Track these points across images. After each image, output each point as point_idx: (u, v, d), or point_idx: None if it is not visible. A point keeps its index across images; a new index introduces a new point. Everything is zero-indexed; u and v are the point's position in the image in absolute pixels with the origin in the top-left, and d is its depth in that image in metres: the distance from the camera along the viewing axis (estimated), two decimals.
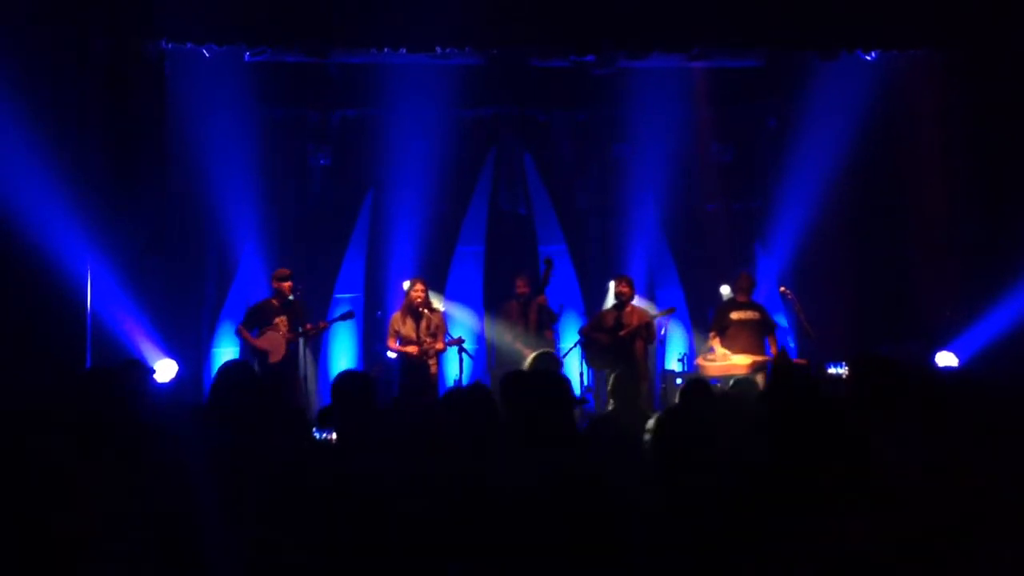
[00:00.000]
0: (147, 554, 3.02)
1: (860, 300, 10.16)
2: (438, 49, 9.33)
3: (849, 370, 4.93)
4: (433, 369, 8.99)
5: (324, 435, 5.02)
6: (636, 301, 9.15)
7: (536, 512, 2.94)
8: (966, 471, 3.09)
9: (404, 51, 9.31)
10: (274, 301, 8.97)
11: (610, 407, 6.11)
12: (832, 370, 7.32)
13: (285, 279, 8.99)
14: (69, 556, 2.83)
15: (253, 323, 8.89)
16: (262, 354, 8.72)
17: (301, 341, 9.01)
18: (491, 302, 10.48)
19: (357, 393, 4.50)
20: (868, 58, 9.68)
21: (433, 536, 3.04)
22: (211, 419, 4.49)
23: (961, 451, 3.27)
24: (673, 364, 10.15)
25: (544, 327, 9.42)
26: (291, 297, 8.96)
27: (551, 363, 6.72)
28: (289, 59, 9.71)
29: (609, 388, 6.20)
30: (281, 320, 8.87)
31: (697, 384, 5.09)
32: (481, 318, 10.77)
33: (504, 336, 9.56)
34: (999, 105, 9.05)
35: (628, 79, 10.10)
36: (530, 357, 6.80)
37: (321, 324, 9.32)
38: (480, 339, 10.66)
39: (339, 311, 9.70)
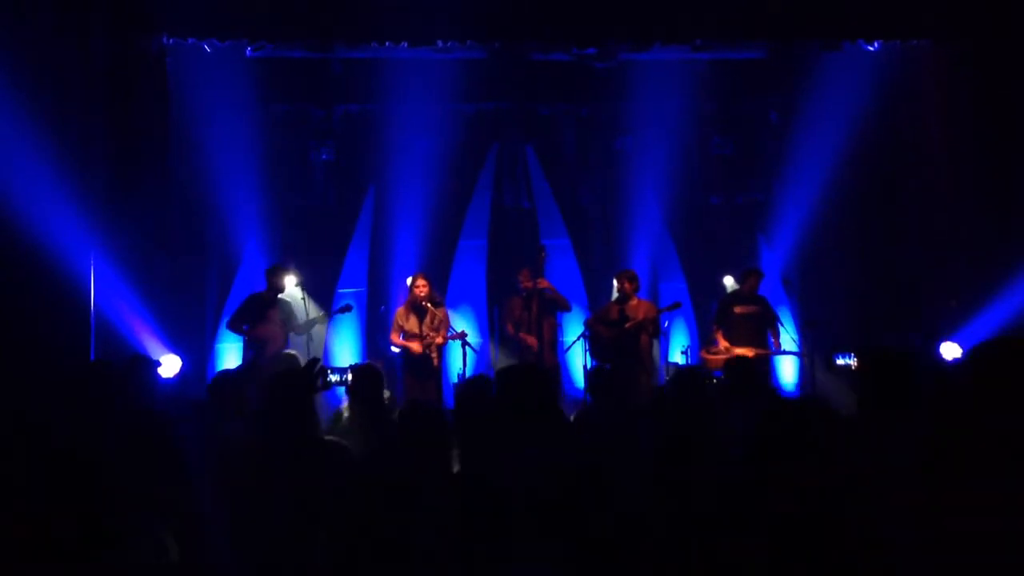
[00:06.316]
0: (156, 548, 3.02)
1: (864, 292, 10.17)
2: (439, 43, 9.36)
3: (858, 361, 4.93)
4: (436, 363, 8.99)
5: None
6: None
7: (530, 504, 2.96)
8: (973, 466, 3.08)
9: (405, 45, 9.33)
10: (266, 295, 9.02)
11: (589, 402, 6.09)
12: (840, 361, 7.34)
13: (277, 273, 9.09)
14: (77, 549, 2.83)
15: (246, 316, 8.93)
16: (260, 344, 8.76)
17: (307, 335, 9.16)
18: (495, 297, 10.46)
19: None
20: (870, 48, 9.67)
21: (437, 528, 3.04)
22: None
23: (968, 440, 3.27)
24: (677, 357, 10.14)
25: (545, 315, 9.40)
26: (283, 293, 9.10)
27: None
28: (291, 54, 9.72)
29: (587, 384, 6.21)
30: (273, 313, 8.95)
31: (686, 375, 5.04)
32: (484, 313, 10.76)
33: (507, 330, 9.56)
34: (1003, 96, 9.03)
35: (630, 73, 10.09)
36: None
37: (319, 317, 9.44)
38: (483, 334, 10.65)
39: (339, 305, 9.78)
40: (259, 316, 8.88)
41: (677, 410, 4.31)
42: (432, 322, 8.97)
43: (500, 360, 9.52)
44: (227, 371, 5.82)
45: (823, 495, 2.89)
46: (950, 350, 9.11)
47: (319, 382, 4.10)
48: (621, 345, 8.81)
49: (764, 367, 8.92)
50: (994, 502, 2.57)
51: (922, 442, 2.77)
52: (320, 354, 10.05)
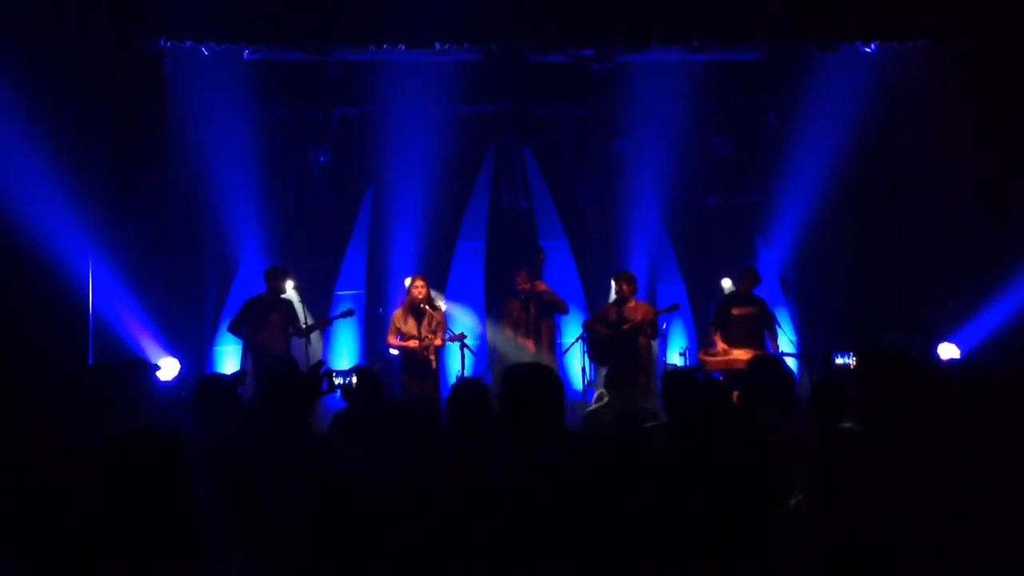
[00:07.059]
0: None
1: (862, 292, 10.17)
2: (437, 45, 9.35)
3: (857, 360, 4.92)
4: (434, 365, 8.98)
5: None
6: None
7: (527, 509, 2.95)
8: (973, 462, 3.08)
9: (403, 48, 9.32)
10: (267, 297, 9.02)
11: (604, 401, 6.09)
12: (839, 360, 7.35)
13: (278, 276, 9.08)
14: (73, 552, 2.82)
15: (247, 320, 8.92)
16: (261, 347, 8.75)
17: (305, 339, 9.15)
18: (493, 298, 10.46)
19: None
20: (867, 50, 9.68)
21: (429, 533, 3.04)
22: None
23: (968, 442, 3.27)
24: (675, 358, 10.14)
25: (543, 317, 9.39)
26: (283, 295, 9.08)
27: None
28: (288, 57, 9.71)
29: (602, 382, 6.22)
30: (275, 316, 8.93)
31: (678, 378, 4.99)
32: (483, 314, 10.75)
33: (505, 332, 9.56)
34: (1002, 96, 9.03)
35: (628, 74, 10.09)
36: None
37: (321, 321, 9.43)
38: (482, 335, 10.65)
39: (340, 308, 9.74)
40: (260, 319, 8.87)
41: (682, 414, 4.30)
42: (430, 324, 8.97)
43: (499, 362, 9.51)
44: (216, 374, 5.80)
45: (823, 496, 2.89)
46: (948, 350, 9.11)
47: (325, 385, 4.11)
48: (619, 346, 8.81)
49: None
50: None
51: (932, 443, 2.77)
52: (320, 356, 10.04)
